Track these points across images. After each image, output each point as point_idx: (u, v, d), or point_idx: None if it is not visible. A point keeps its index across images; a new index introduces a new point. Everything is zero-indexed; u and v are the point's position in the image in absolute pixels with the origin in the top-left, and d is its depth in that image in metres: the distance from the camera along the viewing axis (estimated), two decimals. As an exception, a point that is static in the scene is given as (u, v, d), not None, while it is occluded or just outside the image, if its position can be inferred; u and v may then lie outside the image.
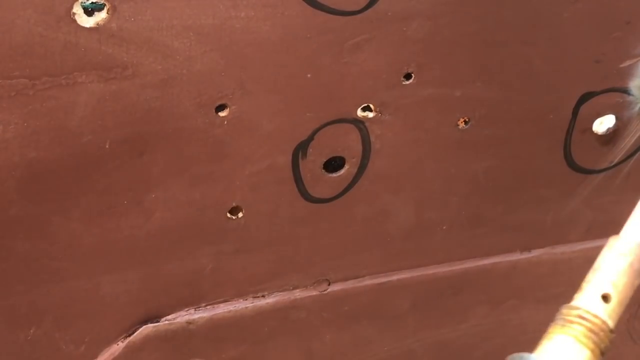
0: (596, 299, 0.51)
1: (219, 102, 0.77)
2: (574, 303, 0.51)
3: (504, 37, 0.81)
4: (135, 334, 0.92)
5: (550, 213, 1.00)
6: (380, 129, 0.84)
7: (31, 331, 0.87)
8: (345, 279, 0.98)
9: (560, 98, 0.88)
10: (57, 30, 0.67)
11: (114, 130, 0.75)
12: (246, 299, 0.95)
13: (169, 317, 0.93)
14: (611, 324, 0.51)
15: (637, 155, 0.95)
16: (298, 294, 0.97)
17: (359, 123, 0.83)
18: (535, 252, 1.04)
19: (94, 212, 0.80)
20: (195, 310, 0.94)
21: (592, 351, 0.49)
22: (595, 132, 0.92)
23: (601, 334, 0.50)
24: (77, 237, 0.82)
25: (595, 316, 0.51)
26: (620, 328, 1.21)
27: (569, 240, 1.04)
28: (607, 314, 0.51)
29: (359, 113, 0.83)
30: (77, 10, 0.67)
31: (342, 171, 0.87)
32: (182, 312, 0.93)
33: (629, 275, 0.51)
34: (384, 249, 0.95)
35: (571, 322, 0.50)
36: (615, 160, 0.95)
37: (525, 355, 0.51)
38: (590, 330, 0.50)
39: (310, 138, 0.83)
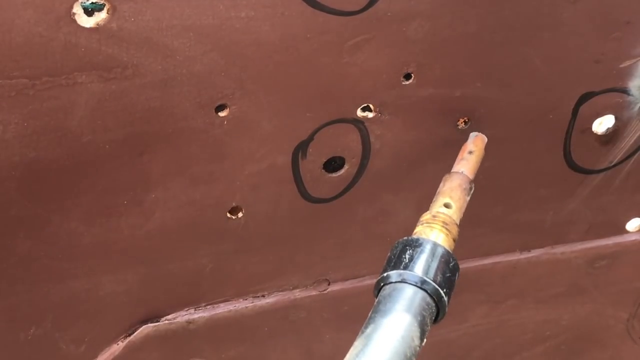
0: (442, 206, 0.75)
1: (219, 102, 0.77)
2: (428, 212, 0.75)
3: (504, 37, 0.81)
4: (135, 333, 0.92)
5: (549, 213, 1.00)
6: (380, 129, 0.84)
7: (31, 331, 0.87)
8: (345, 279, 0.98)
9: (560, 98, 0.88)
10: (57, 31, 0.67)
11: (114, 130, 0.75)
12: (246, 299, 0.95)
13: (169, 316, 0.93)
14: (456, 220, 0.75)
15: (636, 155, 0.95)
16: (298, 294, 0.97)
17: (358, 123, 0.83)
18: (535, 252, 1.04)
19: (94, 212, 0.80)
20: (195, 310, 0.94)
21: (447, 236, 0.72)
22: (594, 132, 0.92)
23: (451, 225, 0.73)
24: (77, 237, 0.82)
25: (445, 214, 0.74)
26: (620, 328, 1.22)
27: (568, 240, 1.04)
28: (452, 213, 0.75)
29: (359, 113, 0.83)
30: (77, 10, 0.67)
31: (342, 171, 0.87)
32: (182, 312, 0.93)
33: (460, 191, 0.77)
34: (384, 249, 0.95)
35: (430, 221, 0.73)
36: (615, 161, 0.95)
37: (411, 237, 0.70)
38: (444, 223, 0.73)
39: (310, 138, 0.83)
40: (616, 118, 0.91)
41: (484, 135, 0.85)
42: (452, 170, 0.81)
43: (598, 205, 1.00)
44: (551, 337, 1.15)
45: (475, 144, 0.84)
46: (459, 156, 0.83)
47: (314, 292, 0.98)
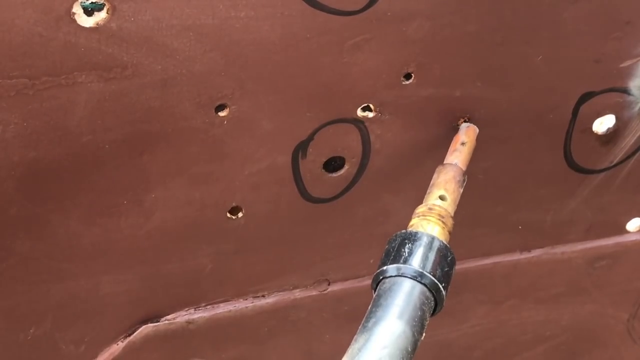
0: (437, 199, 0.76)
1: (218, 102, 0.77)
2: (423, 204, 0.75)
3: (504, 37, 0.81)
4: (135, 333, 0.92)
5: (550, 213, 1.00)
6: (380, 128, 0.84)
7: (31, 331, 0.87)
8: (345, 279, 0.98)
9: (560, 98, 0.88)
10: (57, 30, 0.67)
11: (114, 130, 0.75)
12: (246, 299, 0.95)
13: (169, 317, 0.93)
14: (451, 212, 0.75)
15: (637, 155, 0.95)
16: (298, 294, 0.97)
17: (359, 123, 0.83)
18: (535, 252, 1.04)
19: (94, 212, 0.81)
20: (195, 310, 0.94)
21: (443, 229, 0.72)
22: (595, 132, 0.92)
23: (447, 218, 0.74)
24: (77, 237, 0.82)
25: (440, 207, 0.74)
26: (620, 328, 1.22)
27: (568, 240, 1.04)
28: (447, 206, 0.75)
29: (359, 113, 0.83)
30: (77, 10, 0.67)
31: (342, 171, 0.87)
32: (182, 312, 0.93)
33: (454, 183, 0.78)
34: (384, 249, 0.95)
35: (426, 214, 0.73)
36: (615, 160, 0.95)
37: (408, 230, 0.71)
38: (440, 216, 0.73)
39: (310, 138, 0.83)
40: (616, 118, 0.91)
41: (475, 127, 0.85)
42: (445, 162, 0.81)
43: (598, 205, 1.00)
44: (551, 337, 1.15)
45: (467, 135, 0.84)
46: (452, 147, 0.83)
47: (314, 292, 0.98)
